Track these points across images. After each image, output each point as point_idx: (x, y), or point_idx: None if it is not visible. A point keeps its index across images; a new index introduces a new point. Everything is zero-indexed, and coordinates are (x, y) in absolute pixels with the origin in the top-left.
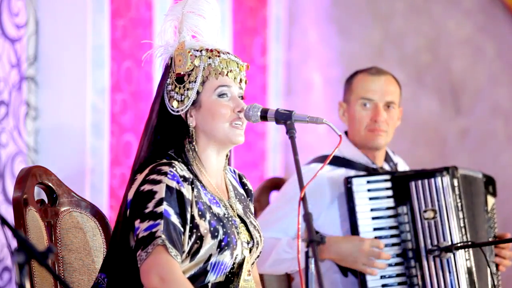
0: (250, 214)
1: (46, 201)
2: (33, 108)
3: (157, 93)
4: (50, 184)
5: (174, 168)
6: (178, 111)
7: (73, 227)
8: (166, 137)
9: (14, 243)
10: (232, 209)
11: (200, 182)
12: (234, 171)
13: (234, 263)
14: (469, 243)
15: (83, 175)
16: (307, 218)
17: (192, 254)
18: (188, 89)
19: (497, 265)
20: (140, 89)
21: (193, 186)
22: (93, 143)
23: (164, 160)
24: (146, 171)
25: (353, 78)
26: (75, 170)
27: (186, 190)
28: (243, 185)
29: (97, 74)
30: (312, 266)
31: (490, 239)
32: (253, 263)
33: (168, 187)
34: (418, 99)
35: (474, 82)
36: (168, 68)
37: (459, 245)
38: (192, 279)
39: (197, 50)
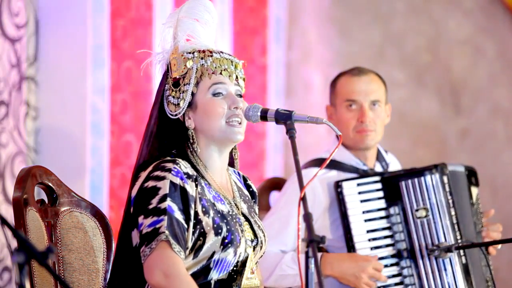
0: (254, 214)
1: (46, 201)
2: (33, 108)
3: (156, 99)
4: (50, 184)
5: (178, 165)
6: (176, 115)
7: (73, 227)
8: (166, 141)
9: (14, 243)
10: (237, 207)
11: (205, 179)
12: (238, 173)
13: (237, 261)
14: (470, 243)
15: (83, 175)
16: (307, 218)
17: (195, 250)
18: (183, 91)
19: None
20: (140, 89)
21: (196, 183)
22: (93, 143)
23: (168, 158)
24: (150, 168)
25: (337, 81)
26: (75, 170)
27: (190, 187)
28: (247, 187)
29: (97, 74)
30: (312, 266)
31: (478, 232)
32: (256, 262)
33: (172, 183)
34: (418, 99)
35: (474, 82)
36: (165, 74)
37: (459, 245)
38: (195, 276)
39: (189, 53)
